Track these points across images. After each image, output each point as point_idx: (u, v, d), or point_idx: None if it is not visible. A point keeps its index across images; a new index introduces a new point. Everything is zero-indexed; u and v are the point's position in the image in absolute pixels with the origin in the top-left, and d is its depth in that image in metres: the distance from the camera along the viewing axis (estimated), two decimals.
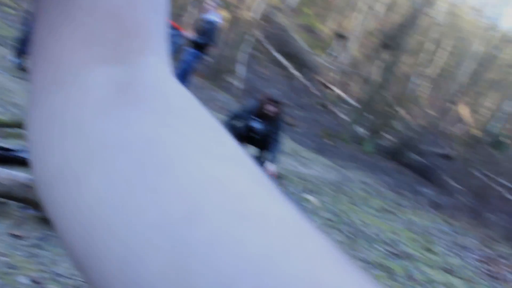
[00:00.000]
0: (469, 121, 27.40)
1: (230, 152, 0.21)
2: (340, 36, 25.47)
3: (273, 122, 5.10)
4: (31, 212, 2.19)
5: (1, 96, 3.99)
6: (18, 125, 3.18)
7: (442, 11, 25.06)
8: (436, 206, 9.71)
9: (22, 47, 5.24)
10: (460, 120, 27.89)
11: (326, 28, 25.64)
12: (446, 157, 18.73)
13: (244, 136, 5.25)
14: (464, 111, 29.00)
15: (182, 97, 0.24)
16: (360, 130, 17.46)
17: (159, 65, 0.25)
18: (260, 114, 5.11)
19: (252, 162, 0.21)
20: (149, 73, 0.24)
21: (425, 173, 14.66)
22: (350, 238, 3.77)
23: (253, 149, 5.50)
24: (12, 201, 2.19)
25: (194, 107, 0.24)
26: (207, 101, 10.04)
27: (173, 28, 6.12)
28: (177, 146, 0.20)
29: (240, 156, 0.21)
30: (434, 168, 15.22)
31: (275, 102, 5.01)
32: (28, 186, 2.10)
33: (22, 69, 5.20)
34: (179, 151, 0.20)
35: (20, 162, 2.73)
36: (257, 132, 5.16)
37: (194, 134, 0.21)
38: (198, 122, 0.22)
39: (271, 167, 4.90)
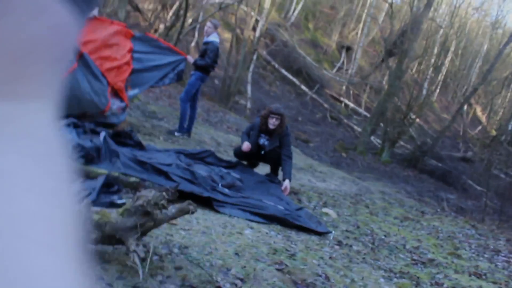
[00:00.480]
0: (485, 121, 26.99)
1: (37, 235, 0.22)
2: (345, 48, 25.47)
3: (280, 137, 5.02)
4: None
5: None
6: None
7: (444, 13, 24.96)
8: (460, 210, 9.47)
9: None
10: (476, 121, 27.50)
11: (331, 41, 25.68)
12: (466, 160, 18.41)
13: (254, 154, 5.18)
14: (479, 112, 28.61)
15: (44, 153, 0.25)
16: (375, 140, 17.27)
17: (40, 112, 0.26)
18: (266, 130, 5.04)
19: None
20: (27, 118, 0.25)
21: (446, 178, 14.38)
22: (372, 249, 3.63)
23: (266, 166, 5.42)
24: None
25: (48, 168, 0.25)
26: (217, 123, 10.02)
27: (177, 53, 6.13)
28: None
29: (56, 237, 0.23)
30: (454, 172, 14.92)
31: (276, 114, 4.93)
32: None
33: None
34: None
35: None
36: (265, 149, 5.08)
37: (17, 204, 0.22)
38: (32, 190, 0.23)
39: (286, 183, 4.80)
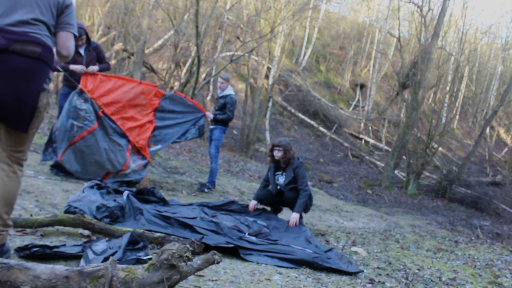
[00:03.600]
0: (511, 142, 26.45)
1: None
2: (359, 86, 25.64)
3: (292, 168, 5.05)
4: None
5: (39, 198, 4.09)
6: (57, 223, 3.23)
7: (453, 41, 25.09)
8: (496, 236, 9.17)
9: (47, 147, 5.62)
10: (501, 143, 26.97)
11: (344, 81, 25.92)
12: (496, 184, 17.95)
13: (274, 196, 5.22)
14: (502, 134, 28.12)
15: None
16: (400, 174, 17.04)
17: None
18: (278, 166, 5.13)
19: None
20: None
21: (477, 205, 14.02)
22: (406, 284, 3.53)
23: (290, 212, 5.39)
24: None
25: None
26: (239, 173, 10.06)
27: (197, 110, 6.28)
28: None
29: None
30: (485, 197, 14.54)
31: (278, 146, 5.06)
32: (68, 277, 2.09)
33: (55, 168, 5.39)
34: None
35: (60, 257, 2.74)
36: (282, 186, 5.12)
37: None
38: None
39: (292, 216, 4.80)
